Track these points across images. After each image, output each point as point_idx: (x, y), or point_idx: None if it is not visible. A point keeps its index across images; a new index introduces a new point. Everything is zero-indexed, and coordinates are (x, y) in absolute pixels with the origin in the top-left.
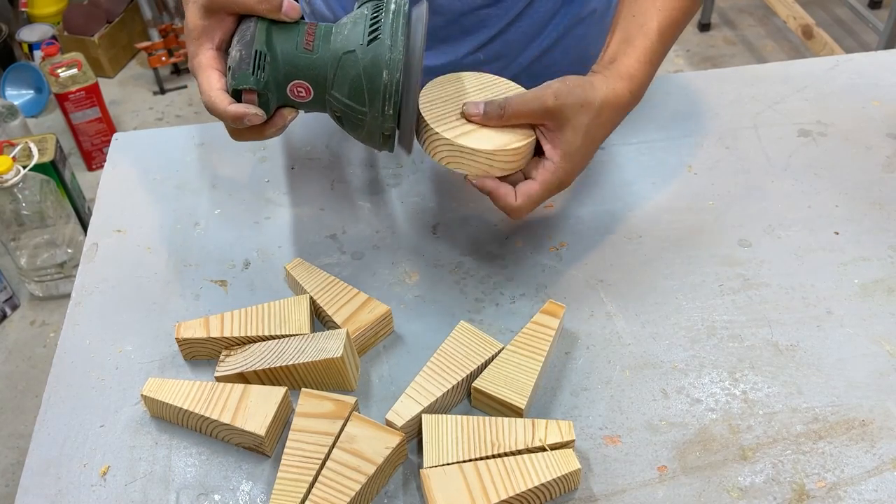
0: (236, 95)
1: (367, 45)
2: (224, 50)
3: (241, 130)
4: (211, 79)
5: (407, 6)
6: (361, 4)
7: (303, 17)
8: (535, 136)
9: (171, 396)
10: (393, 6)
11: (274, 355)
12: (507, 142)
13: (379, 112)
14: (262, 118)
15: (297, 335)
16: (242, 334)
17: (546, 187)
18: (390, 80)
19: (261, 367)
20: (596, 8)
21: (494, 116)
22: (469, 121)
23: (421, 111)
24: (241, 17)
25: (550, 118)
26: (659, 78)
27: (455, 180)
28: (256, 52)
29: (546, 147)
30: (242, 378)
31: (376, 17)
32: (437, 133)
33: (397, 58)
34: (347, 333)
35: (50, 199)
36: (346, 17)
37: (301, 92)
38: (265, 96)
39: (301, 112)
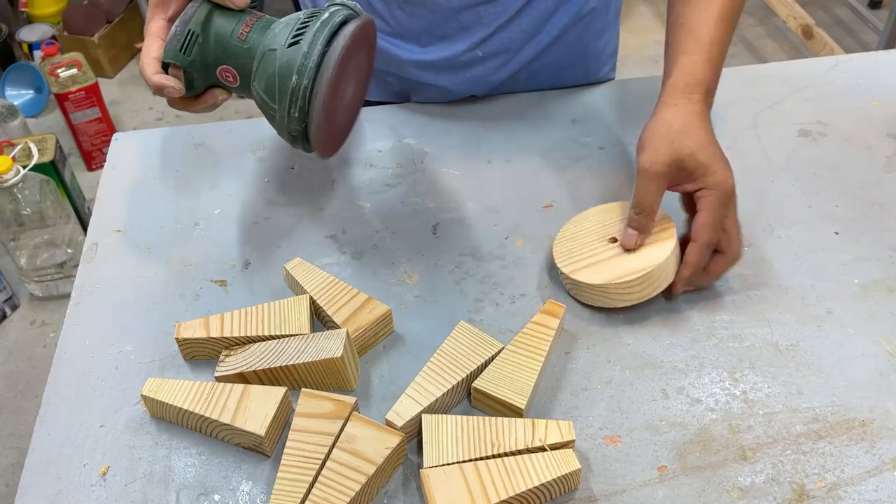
0: (165, 67)
1: (287, 47)
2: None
3: (173, 99)
4: (151, 46)
5: (338, 19)
6: (309, 10)
7: (256, 8)
8: (654, 265)
9: (171, 396)
10: (325, 16)
11: (274, 355)
12: (621, 274)
13: (286, 112)
14: (180, 93)
15: (297, 335)
16: (242, 334)
17: (713, 208)
18: (298, 84)
19: (261, 367)
20: (595, 6)
21: (643, 223)
22: (629, 250)
23: (554, 248)
24: None
25: (665, 177)
26: (659, 78)
27: (455, 181)
28: (189, 31)
29: (688, 186)
30: (242, 378)
31: (306, 23)
32: (559, 269)
33: (308, 65)
34: (347, 333)
35: (50, 199)
36: (287, 17)
37: (229, 77)
38: (190, 74)
39: (234, 95)
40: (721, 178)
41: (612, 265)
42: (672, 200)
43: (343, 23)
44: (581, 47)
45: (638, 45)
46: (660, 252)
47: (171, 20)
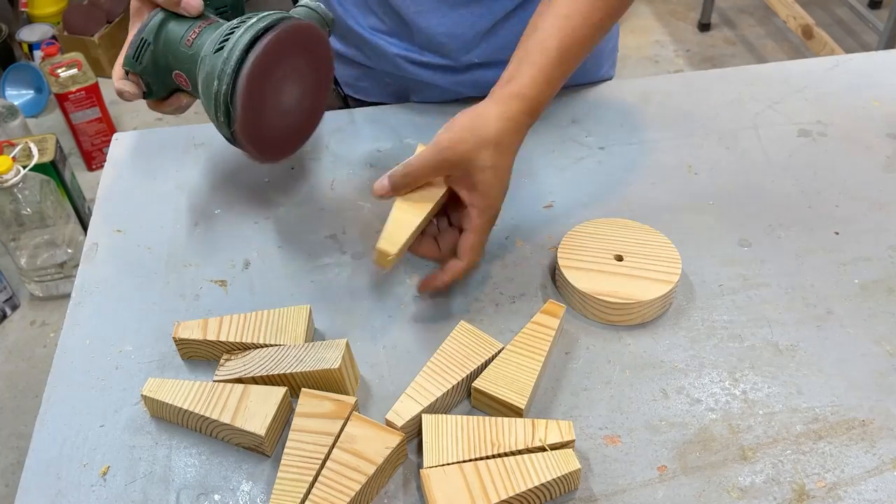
0: (128, 73)
1: (214, 53)
2: None
3: (147, 102)
4: (122, 55)
5: (264, 24)
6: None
7: (224, 12)
8: (637, 301)
9: (171, 396)
10: (252, 20)
11: (273, 363)
12: (604, 292)
13: (215, 117)
14: (136, 97)
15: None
16: (238, 340)
17: (480, 231)
18: (219, 89)
19: (259, 374)
20: None
21: (402, 185)
22: (381, 197)
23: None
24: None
25: (453, 167)
26: (659, 78)
27: None
28: (142, 40)
29: (462, 194)
30: (241, 384)
31: (234, 29)
32: (558, 258)
33: (227, 70)
34: (347, 344)
35: (50, 199)
36: (232, 21)
37: (182, 82)
38: (147, 79)
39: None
40: (495, 206)
41: (603, 279)
42: (673, 200)
43: (270, 27)
44: None
45: (638, 45)
46: (651, 291)
47: None
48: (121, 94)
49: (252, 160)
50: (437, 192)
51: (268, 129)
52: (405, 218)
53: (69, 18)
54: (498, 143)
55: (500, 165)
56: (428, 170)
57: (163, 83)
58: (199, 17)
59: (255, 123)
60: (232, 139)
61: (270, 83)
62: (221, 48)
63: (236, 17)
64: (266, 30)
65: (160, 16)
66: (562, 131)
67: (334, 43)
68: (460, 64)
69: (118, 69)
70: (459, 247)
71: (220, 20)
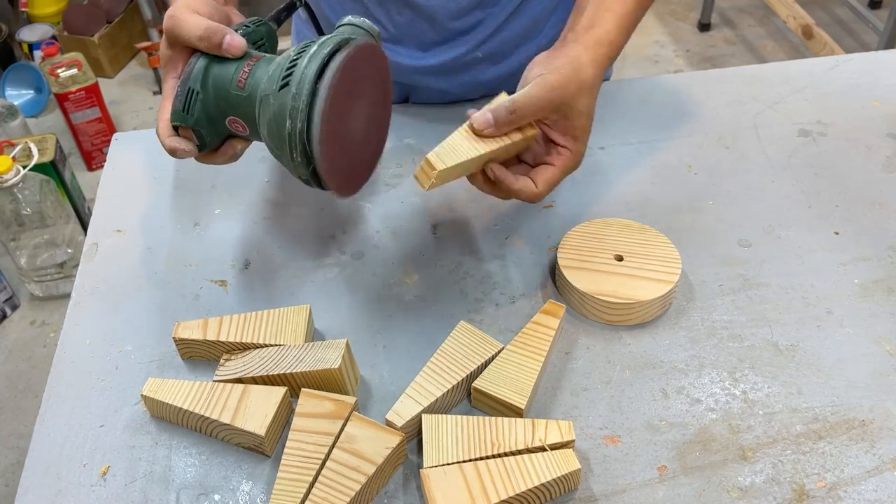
0: (176, 128)
1: (279, 91)
2: None
3: (201, 156)
4: (164, 109)
5: (327, 50)
6: (303, 42)
7: (263, 46)
8: (637, 301)
9: (171, 396)
10: (314, 48)
11: (273, 363)
12: (603, 292)
13: (290, 158)
14: (192, 154)
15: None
16: (238, 340)
17: (565, 171)
18: (293, 128)
19: (259, 374)
20: None
21: (506, 122)
22: (481, 135)
23: (559, 254)
24: (193, 50)
25: (555, 110)
26: (659, 78)
27: (455, 181)
28: (189, 89)
29: (555, 136)
30: (241, 384)
31: (294, 62)
32: (558, 257)
33: (300, 107)
34: (347, 344)
35: (50, 199)
36: (284, 53)
37: (238, 127)
38: (199, 132)
39: (253, 142)
40: (582, 150)
41: (603, 279)
42: (673, 200)
43: (334, 52)
44: None
45: (638, 45)
46: (651, 291)
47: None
48: (174, 153)
49: (332, 193)
50: (517, 136)
51: (346, 161)
52: (468, 145)
53: (69, 18)
54: (592, 89)
55: (592, 112)
56: (536, 108)
57: (216, 132)
58: (243, 56)
59: (334, 157)
60: (310, 178)
61: (344, 112)
62: (287, 84)
63: (271, 48)
64: (330, 56)
65: (202, 61)
66: None
67: None
68: (448, 32)
69: (164, 127)
70: (540, 176)
71: (265, 54)
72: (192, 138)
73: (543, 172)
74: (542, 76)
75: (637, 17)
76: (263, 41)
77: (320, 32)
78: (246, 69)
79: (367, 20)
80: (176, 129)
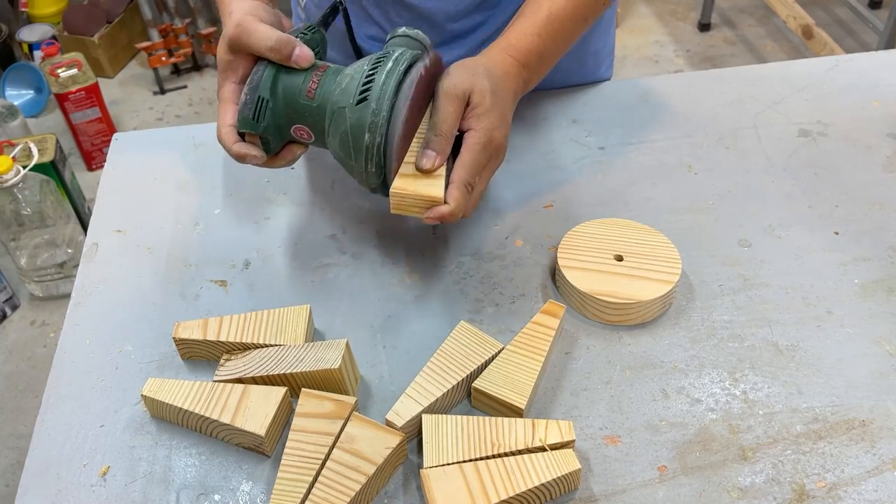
0: (242, 134)
1: (356, 104)
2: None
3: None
4: (226, 114)
5: (405, 65)
6: (374, 56)
7: (318, 55)
8: (637, 301)
9: (171, 396)
10: (390, 64)
11: (273, 363)
12: (603, 292)
13: (363, 168)
14: (261, 160)
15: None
16: (238, 340)
17: (471, 165)
18: (372, 142)
19: (259, 374)
20: None
21: (444, 149)
22: (425, 172)
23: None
24: (258, 57)
25: (462, 103)
26: (659, 78)
27: None
28: (259, 98)
29: (463, 124)
30: (241, 384)
31: (371, 75)
32: (558, 258)
33: (379, 122)
34: (347, 344)
35: (50, 199)
36: (353, 65)
37: (303, 135)
38: (266, 138)
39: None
40: (493, 126)
41: (603, 279)
42: (673, 200)
43: (409, 67)
44: (582, 47)
45: (638, 45)
46: (651, 291)
47: (241, 83)
48: (243, 159)
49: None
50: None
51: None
52: (426, 185)
53: (69, 18)
54: (491, 73)
55: (498, 93)
56: (450, 116)
57: (280, 138)
58: (310, 66)
59: (399, 167)
60: (379, 187)
61: (414, 125)
62: (365, 98)
63: (324, 53)
64: (405, 73)
65: (271, 70)
66: (562, 131)
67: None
68: (446, 34)
69: (228, 133)
70: (454, 166)
71: (329, 65)
72: (258, 144)
73: (451, 177)
74: (439, 86)
75: (553, 27)
76: (319, 48)
77: (351, 36)
78: (315, 79)
79: (420, 32)
80: (241, 135)
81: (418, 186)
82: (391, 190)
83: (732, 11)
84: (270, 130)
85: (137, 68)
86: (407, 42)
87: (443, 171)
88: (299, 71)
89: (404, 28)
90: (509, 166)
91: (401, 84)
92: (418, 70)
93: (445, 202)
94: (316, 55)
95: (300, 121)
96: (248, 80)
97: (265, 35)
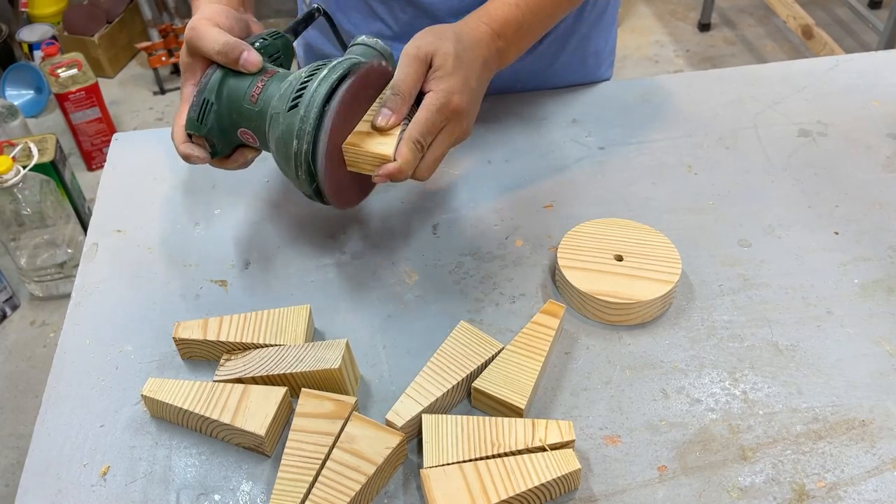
0: (190, 135)
1: (288, 110)
2: None
3: (213, 161)
4: (182, 114)
5: (336, 75)
6: (315, 64)
7: (279, 60)
8: (637, 300)
9: (171, 396)
10: (325, 72)
11: (273, 363)
12: (603, 293)
13: (295, 175)
14: (205, 161)
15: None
16: (238, 340)
17: (425, 122)
18: (299, 149)
19: (259, 374)
20: (598, 5)
21: (402, 107)
22: (379, 129)
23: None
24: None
25: (424, 66)
26: (659, 78)
27: (455, 181)
28: (204, 100)
29: (425, 86)
30: (241, 384)
31: (306, 82)
32: (558, 258)
33: (306, 129)
34: (347, 344)
35: (50, 199)
36: (297, 72)
37: (249, 138)
38: (211, 140)
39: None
40: (452, 90)
41: (603, 279)
42: (673, 200)
43: (344, 76)
44: (583, 46)
45: (638, 45)
46: (651, 291)
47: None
48: (188, 158)
49: (330, 205)
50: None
51: (347, 176)
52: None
53: (69, 18)
54: (459, 38)
55: (462, 58)
56: (409, 77)
57: (228, 141)
58: (258, 70)
59: (336, 175)
60: (313, 194)
61: (347, 132)
62: (296, 105)
63: (287, 60)
64: (339, 81)
65: (219, 73)
66: (562, 131)
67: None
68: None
69: (179, 133)
70: (409, 125)
71: (278, 69)
72: (204, 146)
73: (404, 134)
74: (404, 47)
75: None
76: (279, 54)
77: (339, 40)
78: (259, 84)
79: (380, 41)
80: (190, 135)
81: (370, 144)
82: (343, 145)
83: (732, 11)
84: (215, 132)
85: (137, 68)
86: (364, 51)
87: (397, 130)
88: (247, 75)
89: (364, 37)
90: (509, 166)
91: (334, 91)
92: (352, 80)
93: (394, 160)
94: (275, 61)
95: (244, 124)
96: (199, 83)
97: (214, 39)
